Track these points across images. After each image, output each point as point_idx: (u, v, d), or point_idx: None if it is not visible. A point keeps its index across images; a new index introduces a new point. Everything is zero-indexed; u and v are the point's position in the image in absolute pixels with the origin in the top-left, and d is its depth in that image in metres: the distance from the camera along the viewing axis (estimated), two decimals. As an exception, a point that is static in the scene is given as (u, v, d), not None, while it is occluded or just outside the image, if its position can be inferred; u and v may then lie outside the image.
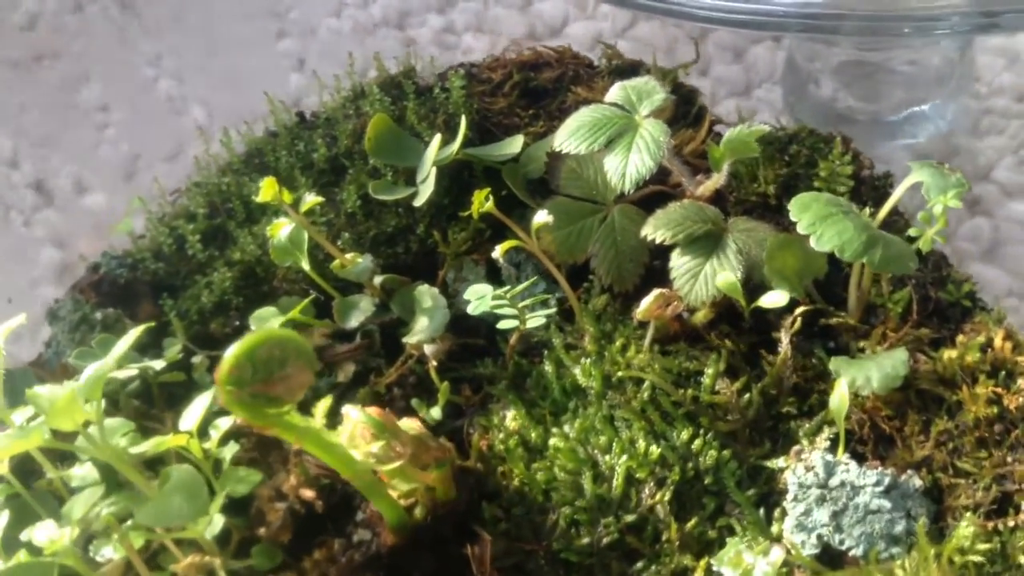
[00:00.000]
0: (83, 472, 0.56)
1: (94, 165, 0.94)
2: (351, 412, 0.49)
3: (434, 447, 0.54)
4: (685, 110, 0.82)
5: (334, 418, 0.59)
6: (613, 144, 0.68)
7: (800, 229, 0.58)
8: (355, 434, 0.49)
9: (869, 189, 0.75)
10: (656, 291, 0.66)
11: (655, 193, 0.77)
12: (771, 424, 0.67)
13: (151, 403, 0.70)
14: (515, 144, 0.76)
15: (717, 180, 0.75)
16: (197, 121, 0.95)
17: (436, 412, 0.68)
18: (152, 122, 0.97)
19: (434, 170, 0.72)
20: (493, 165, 0.77)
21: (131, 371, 0.63)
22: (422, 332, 0.69)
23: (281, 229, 0.68)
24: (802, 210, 0.58)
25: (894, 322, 0.70)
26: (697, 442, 0.66)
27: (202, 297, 0.74)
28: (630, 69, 0.82)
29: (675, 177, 0.77)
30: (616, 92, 0.70)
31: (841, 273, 0.72)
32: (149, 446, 0.55)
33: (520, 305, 0.66)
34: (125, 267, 0.77)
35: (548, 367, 0.70)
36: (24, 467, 0.65)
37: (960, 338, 0.67)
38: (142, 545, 0.55)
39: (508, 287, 0.66)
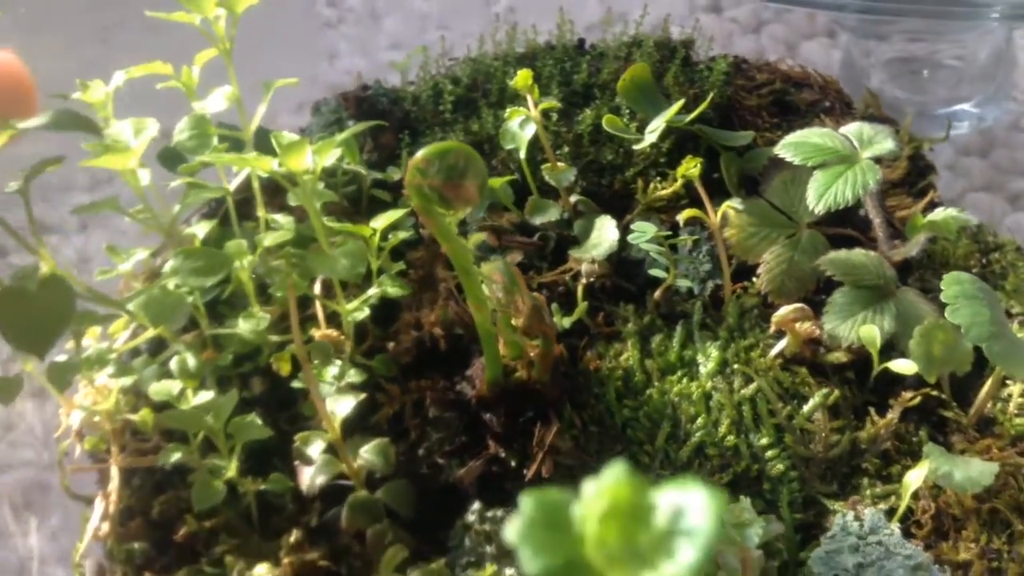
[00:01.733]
0: (284, 220, 0.68)
1: (414, 12, 1.06)
2: (499, 262, 0.57)
3: (547, 323, 0.62)
4: (914, 180, 0.85)
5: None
6: (825, 168, 0.72)
7: (943, 297, 0.61)
8: (493, 282, 0.57)
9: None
10: (798, 304, 0.70)
11: (849, 237, 0.81)
12: (847, 471, 0.71)
13: (357, 207, 0.81)
14: (745, 137, 0.82)
15: (909, 249, 0.78)
16: (500, 9, 1.06)
17: (567, 322, 0.76)
18: (471, 5, 1.08)
19: (663, 127, 0.80)
20: (718, 147, 0.83)
21: (354, 168, 0.75)
22: (588, 251, 0.77)
23: (517, 117, 0.77)
24: (952, 283, 0.61)
25: (1004, 441, 0.71)
26: (772, 451, 0.70)
27: (432, 148, 0.86)
28: (881, 121, 0.86)
29: (874, 231, 0.81)
30: (850, 128, 0.75)
31: (980, 379, 0.74)
32: (338, 226, 0.66)
33: (674, 259, 0.73)
34: (388, 97, 0.89)
35: (678, 333, 0.76)
36: (242, 208, 0.78)
37: (1055, 481, 0.68)
38: (295, 299, 0.66)
39: (665, 233, 0.73)
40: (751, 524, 0.56)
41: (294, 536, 0.68)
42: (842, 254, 0.77)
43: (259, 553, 0.67)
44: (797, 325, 0.73)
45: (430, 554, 0.70)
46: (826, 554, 0.66)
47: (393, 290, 0.69)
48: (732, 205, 0.75)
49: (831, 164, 0.72)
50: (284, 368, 0.65)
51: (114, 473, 0.67)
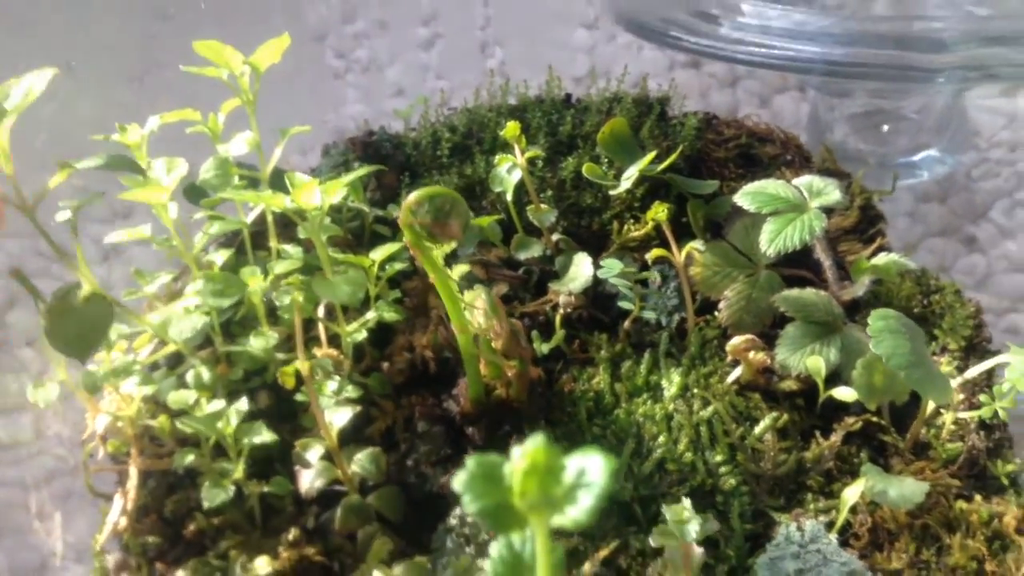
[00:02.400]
0: (293, 250, 0.76)
1: (415, 63, 1.16)
2: (482, 291, 0.66)
3: (523, 347, 0.70)
4: (865, 227, 0.93)
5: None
6: (777, 215, 0.81)
7: (869, 331, 0.69)
8: (474, 308, 0.66)
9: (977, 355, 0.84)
10: (749, 336, 0.79)
11: (803, 278, 0.90)
12: (793, 488, 0.79)
13: (360, 241, 0.90)
14: (711, 186, 0.91)
15: (856, 289, 0.86)
16: (495, 63, 1.15)
17: (545, 347, 0.84)
18: (468, 59, 1.17)
19: (637, 175, 0.88)
20: (687, 194, 0.91)
21: (358, 206, 0.84)
22: (566, 284, 0.86)
23: (506, 163, 0.86)
24: (878, 319, 0.69)
25: (936, 464, 0.79)
26: (725, 468, 0.78)
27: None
28: (836, 175, 0.94)
29: (825, 273, 0.89)
30: (803, 180, 0.83)
31: (917, 407, 0.81)
32: (341, 256, 0.74)
33: (642, 293, 0.81)
34: (391, 142, 0.98)
35: (645, 360, 0.84)
36: (257, 240, 0.87)
37: (978, 499, 0.76)
38: (301, 321, 0.75)
39: (634, 270, 0.81)
40: (690, 521, 0.63)
41: (292, 534, 0.75)
42: (795, 292, 0.85)
43: (260, 549, 0.75)
44: (750, 355, 0.81)
45: (415, 554, 0.78)
46: (770, 560, 0.74)
47: (389, 315, 0.77)
48: (695, 246, 0.83)
49: (783, 212, 0.81)
50: (288, 382, 0.73)
51: (133, 474, 0.74)
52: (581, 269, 0.87)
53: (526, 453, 0.34)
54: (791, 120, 1.10)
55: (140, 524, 0.76)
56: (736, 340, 0.79)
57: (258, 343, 0.73)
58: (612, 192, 0.91)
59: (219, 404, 0.71)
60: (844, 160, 1.00)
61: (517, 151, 0.85)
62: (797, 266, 0.90)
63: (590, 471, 0.34)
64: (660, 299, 0.89)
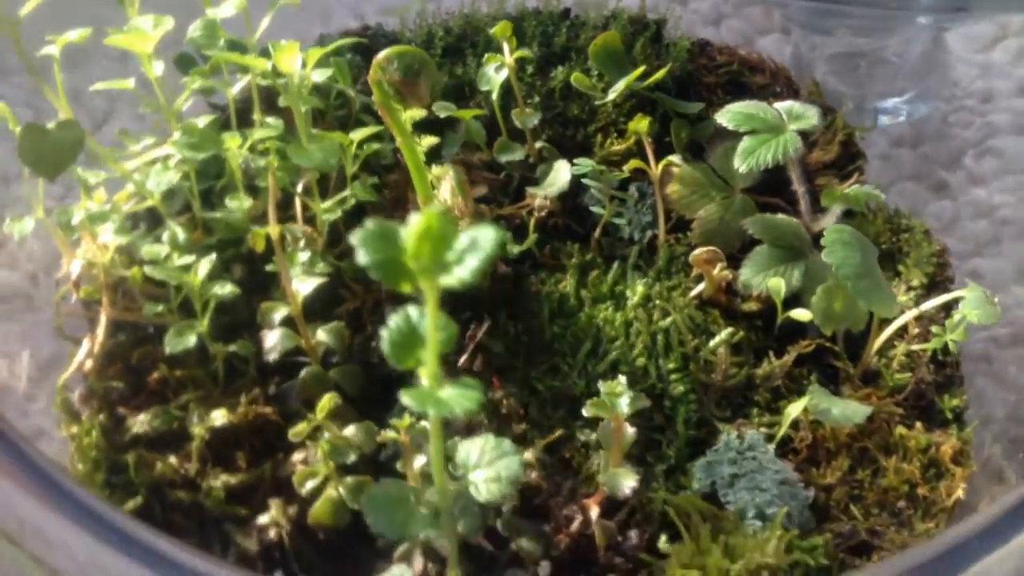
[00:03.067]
0: (274, 121, 0.78)
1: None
2: (450, 169, 0.67)
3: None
4: (844, 163, 0.94)
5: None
6: (754, 134, 0.82)
7: (823, 241, 0.71)
8: (441, 183, 0.67)
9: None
10: (712, 248, 0.80)
11: (778, 206, 0.91)
12: (740, 402, 0.81)
13: (346, 129, 0.92)
14: (696, 107, 0.92)
15: (827, 220, 0.88)
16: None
17: (516, 249, 0.86)
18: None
19: (624, 88, 0.89)
20: (671, 113, 0.93)
21: (345, 90, 0.85)
22: (543, 189, 0.87)
23: (493, 63, 0.87)
24: (834, 232, 0.71)
25: (884, 392, 0.81)
26: (676, 375, 0.80)
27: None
28: (822, 108, 0.95)
29: (799, 202, 0.90)
30: (783, 104, 0.84)
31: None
32: (319, 132, 0.76)
33: (611, 197, 0.83)
34: (386, 38, 0.99)
35: (613, 270, 0.86)
36: (242, 117, 0.88)
37: (919, 426, 0.78)
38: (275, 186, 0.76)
39: (605, 170, 0.83)
40: (622, 395, 0.66)
41: (252, 394, 0.78)
42: (766, 217, 0.86)
43: (219, 405, 0.77)
44: (714, 271, 0.82)
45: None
46: (707, 463, 0.76)
47: (364, 195, 0.79)
48: (672, 160, 0.85)
49: (760, 132, 0.82)
50: (259, 244, 0.75)
51: (103, 320, 0.77)
52: (559, 175, 0.89)
53: (423, 217, 0.36)
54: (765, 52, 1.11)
55: (105, 370, 0.78)
56: (699, 250, 0.80)
57: (233, 204, 0.75)
58: (598, 103, 0.92)
59: (189, 259, 0.74)
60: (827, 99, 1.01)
61: (506, 51, 0.87)
62: (773, 194, 0.91)
63: (481, 240, 0.35)
64: (636, 214, 0.90)
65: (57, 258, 0.79)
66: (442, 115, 0.86)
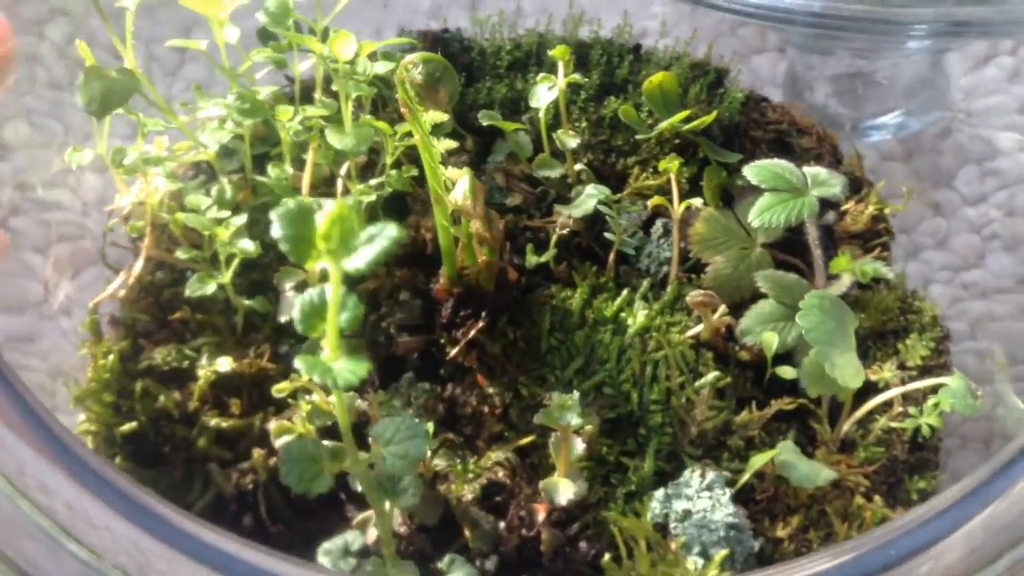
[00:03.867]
0: (329, 102, 0.85)
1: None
2: (466, 172, 0.72)
3: (494, 234, 0.76)
4: (871, 237, 0.96)
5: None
6: (775, 193, 0.85)
7: (800, 304, 0.73)
8: (456, 188, 0.72)
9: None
10: (710, 291, 0.83)
11: (794, 266, 0.93)
12: (714, 444, 0.84)
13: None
14: (733, 157, 0.95)
15: (838, 287, 0.89)
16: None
17: (533, 259, 0.90)
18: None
19: (668, 126, 0.93)
20: (711, 159, 0.96)
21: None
22: (571, 209, 0.91)
23: (546, 82, 0.91)
24: (814, 297, 0.73)
25: (855, 462, 0.83)
26: (657, 407, 0.83)
27: (477, 95, 1.01)
28: (858, 181, 0.97)
29: (815, 268, 0.92)
30: (810, 169, 0.87)
31: (858, 408, 0.85)
32: (366, 118, 0.82)
33: (623, 224, 0.86)
34: (460, 42, 1.04)
35: (621, 296, 0.90)
36: (307, 95, 0.95)
37: (877, 499, 0.79)
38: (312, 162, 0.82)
39: (622, 200, 0.87)
40: (571, 409, 0.69)
41: (261, 348, 0.84)
42: (777, 273, 0.89)
43: (230, 354, 0.84)
44: (713, 315, 0.85)
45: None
46: (666, 495, 0.79)
47: (398, 184, 0.84)
48: (693, 203, 0.88)
49: (781, 191, 0.84)
50: (289, 212, 0.81)
51: (142, 255, 0.84)
52: (590, 199, 0.93)
53: (336, 205, 0.41)
54: (768, 79, 1.13)
55: (136, 302, 0.86)
56: (696, 292, 0.83)
57: (273, 172, 0.81)
58: (641, 137, 0.96)
59: (225, 214, 0.80)
60: (823, 122, 1.04)
61: (560, 73, 0.91)
62: (794, 254, 0.93)
63: (384, 233, 0.40)
64: (656, 248, 0.93)
65: (113, 193, 0.86)
66: (485, 123, 0.91)
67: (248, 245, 0.79)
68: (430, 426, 0.77)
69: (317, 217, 0.42)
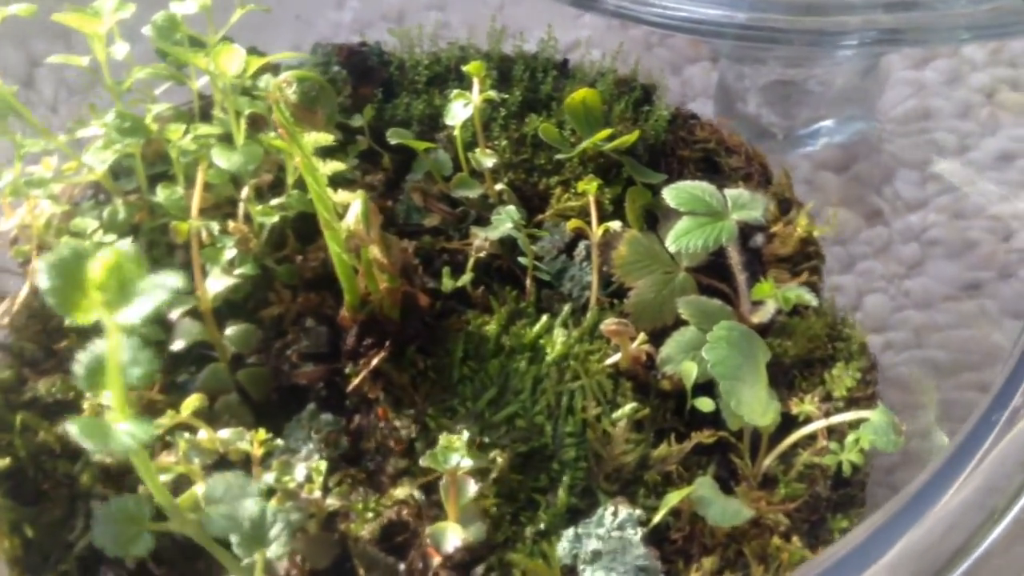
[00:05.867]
0: (223, 119, 0.80)
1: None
2: (360, 194, 0.68)
3: (392, 259, 0.72)
4: (800, 260, 0.92)
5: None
6: (693, 216, 0.81)
7: (708, 336, 0.70)
8: (348, 212, 0.68)
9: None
10: (624, 320, 0.80)
11: (720, 291, 0.90)
12: (630, 479, 0.80)
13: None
14: (657, 177, 0.92)
15: (763, 314, 0.86)
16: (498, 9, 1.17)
17: (449, 284, 0.86)
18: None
19: (590, 145, 0.90)
20: (635, 179, 0.92)
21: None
22: (488, 230, 0.87)
23: (461, 99, 0.88)
24: (723, 328, 0.70)
25: (776, 499, 0.79)
26: (571, 440, 0.80)
27: (395, 111, 0.97)
28: (788, 201, 0.94)
29: (740, 294, 0.89)
30: (732, 191, 0.83)
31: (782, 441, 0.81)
32: (265, 137, 0.78)
33: (545, 246, 0.83)
34: (378, 57, 1.01)
35: (540, 323, 0.86)
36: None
37: (796, 540, 0.76)
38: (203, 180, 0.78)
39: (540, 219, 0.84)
40: (458, 451, 0.65)
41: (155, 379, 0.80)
42: (700, 300, 0.85)
43: (121, 384, 0.79)
44: (632, 345, 0.81)
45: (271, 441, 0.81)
46: (576, 534, 0.75)
47: (299, 205, 0.80)
48: (611, 226, 0.84)
49: (699, 215, 0.81)
50: (180, 235, 0.77)
51: (28, 282, 0.80)
52: (509, 219, 0.89)
53: (112, 253, 0.37)
54: (700, 89, 1.11)
55: (23, 330, 0.81)
56: (609, 320, 0.80)
57: (163, 194, 0.77)
58: (562, 156, 0.92)
59: (112, 237, 0.76)
60: (755, 134, 1.03)
61: (476, 89, 0.87)
62: (720, 279, 0.90)
63: (163, 286, 0.36)
64: (579, 272, 0.90)
65: (-1, 216, 0.82)
66: (393, 141, 0.87)
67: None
68: (323, 465, 0.73)
69: (92, 266, 0.38)
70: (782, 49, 0.95)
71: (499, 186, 0.92)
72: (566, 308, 0.87)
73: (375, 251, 0.70)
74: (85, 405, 0.77)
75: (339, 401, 0.82)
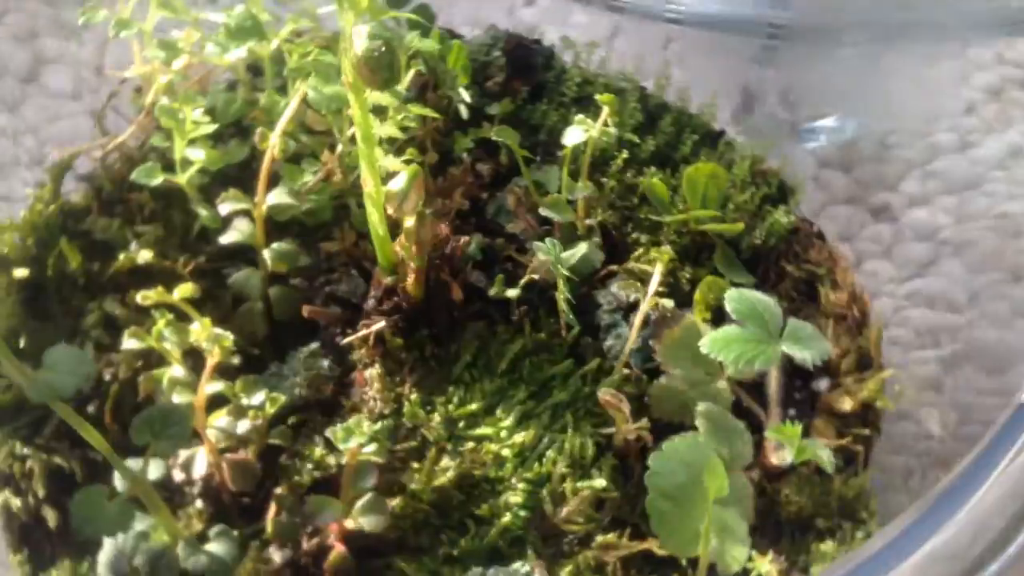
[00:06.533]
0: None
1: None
2: (405, 170, 0.68)
3: (423, 237, 0.72)
4: (857, 422, 0.85)
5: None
6: (742, 328, 0.76)
7: (663, 444, 0.66)
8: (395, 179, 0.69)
9: None
10: (621, 395, 0.76)
11: (754, 415, 0.84)
12: (567, 550, 0.76)
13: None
14: (747, 280, 0.87)
15: (782, 456, 0.80)
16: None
17: (496, 290, 0.84)
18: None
19: (686, 218, 0.86)
20: (720, 269, 0.88)
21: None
22: (560, 257, 0.85)
23: (579, 126, 0.85)
24: (682, 443, 0.65)
25: None
26: (525, 485, 0.77)
27: (532, 113, 0.97)
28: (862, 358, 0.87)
29: (769, 424, 0.83)
30: (797, 322, 0.77)
31: None
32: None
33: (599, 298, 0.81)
34: (544, 58, 1.00)
35: (563, 364, 0.83)
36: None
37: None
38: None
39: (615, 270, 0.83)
40: (362, 436, 0.64)
41: (195, 259, 0.84)
42: (724, 414, 0.80)
43: (165, 249, 0.84)
44: (627, 426, 0.78)
45: (269, 361, 0.84)
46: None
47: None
48: (666, 303, 0.81)
49: (749, 329, 0.76)
50: (263, 139, 0.79)
51: (132, 128, 0.86)
52: (579, 256, 0.87)
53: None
54: (718, 86, 1.05)
55: (108, 169, 0.87)
56: (605, 390, 0.77)
57: (264, 98, 0.80)
58: (660, 219, 0.89)
59: (207, 121, 0.80)
60: (766, 129, 1.04)
61: (600, 119, 0.85)
62: (761, 404, 0.84)
63: None
64: (625, 333, 0.86)
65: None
66: (496, 138, 0.87)
67: (199, 155, 0.79)
68: (280, 399, 0.75)
69: None
70: (785, 45, 0.96)
71: (589, 221, 0.90)
72: (595, 362, 0.85)
73: (408, 224, 0.71)
74: (120, 254, 0.81)
75: (347, 354, 0.83)
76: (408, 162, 0.71)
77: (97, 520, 0.63)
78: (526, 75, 1.00)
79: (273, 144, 0.77)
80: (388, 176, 0.71)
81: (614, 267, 0.89)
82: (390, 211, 0.71)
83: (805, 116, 1.05)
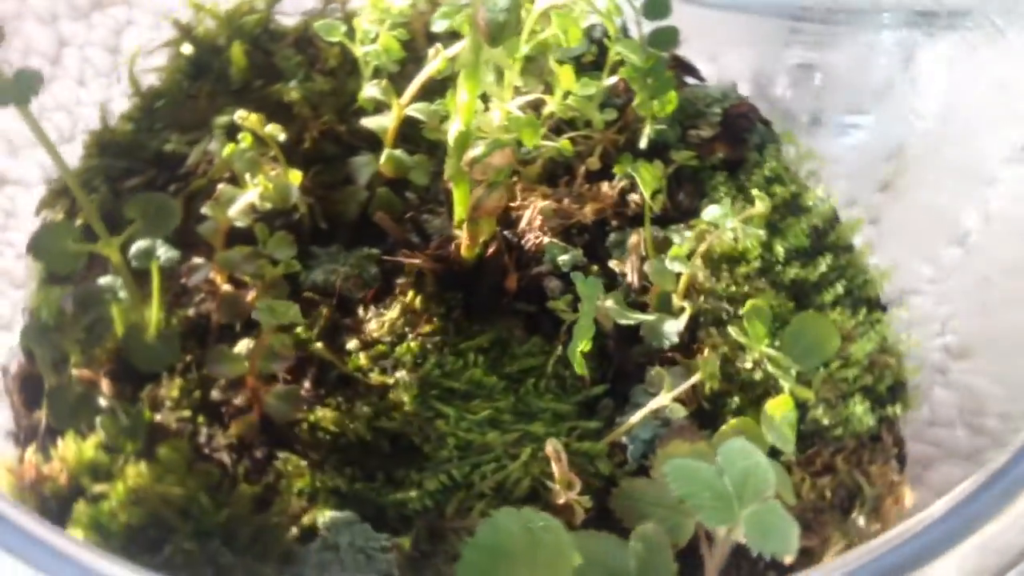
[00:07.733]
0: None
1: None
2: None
3: (492, 207, 0.72)
4: None
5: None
6: (717, 482, 0.69)
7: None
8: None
9: None
10: (566, 468, 0.72)
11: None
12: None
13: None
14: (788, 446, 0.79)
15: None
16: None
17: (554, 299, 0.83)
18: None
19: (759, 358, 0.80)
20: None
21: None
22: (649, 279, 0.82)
23: (715, 206, 0.81)
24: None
25: None
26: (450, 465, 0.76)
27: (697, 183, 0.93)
28: None
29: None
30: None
31: None
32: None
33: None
34: (757, 138, 0.96)
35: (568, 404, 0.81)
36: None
37: None
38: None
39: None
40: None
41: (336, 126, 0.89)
42: (656, 547, 0.74)
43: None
44: (565, 493, 0.74)
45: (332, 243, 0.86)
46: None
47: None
48: (675, 408, 0.76)
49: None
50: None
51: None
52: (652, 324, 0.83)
53: None
54: (736, 74, 1.04)
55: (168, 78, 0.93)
56: (554, 442, 0.73)
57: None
58: (740, 339, 0.83)
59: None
60: (781, 115, 1.02)
61: (750, 213, 0.80)
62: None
63: None
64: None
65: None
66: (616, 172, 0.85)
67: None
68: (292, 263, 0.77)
69: None
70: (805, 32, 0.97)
71: (686, 304, 0.85)
72: (596, 424, 0.81)
73: (480, 187, 0.71)
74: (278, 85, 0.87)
75: (394, 276, 0.85)
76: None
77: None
78: (733, 144, 0.96)
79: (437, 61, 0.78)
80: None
81: (677, 355, 0.85)
82: (471, 172, 0.71)
83: (836, 108, 1.03)
